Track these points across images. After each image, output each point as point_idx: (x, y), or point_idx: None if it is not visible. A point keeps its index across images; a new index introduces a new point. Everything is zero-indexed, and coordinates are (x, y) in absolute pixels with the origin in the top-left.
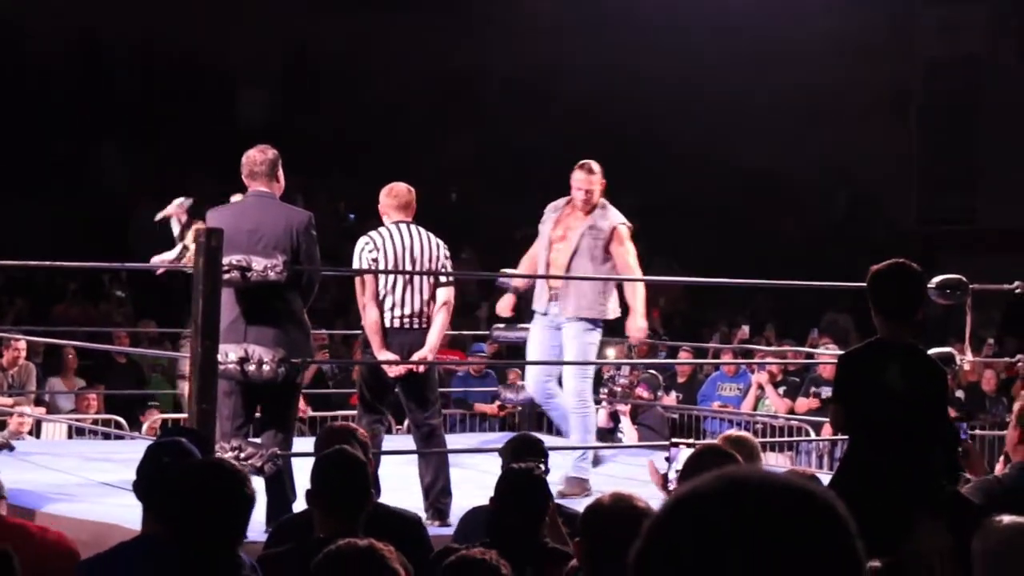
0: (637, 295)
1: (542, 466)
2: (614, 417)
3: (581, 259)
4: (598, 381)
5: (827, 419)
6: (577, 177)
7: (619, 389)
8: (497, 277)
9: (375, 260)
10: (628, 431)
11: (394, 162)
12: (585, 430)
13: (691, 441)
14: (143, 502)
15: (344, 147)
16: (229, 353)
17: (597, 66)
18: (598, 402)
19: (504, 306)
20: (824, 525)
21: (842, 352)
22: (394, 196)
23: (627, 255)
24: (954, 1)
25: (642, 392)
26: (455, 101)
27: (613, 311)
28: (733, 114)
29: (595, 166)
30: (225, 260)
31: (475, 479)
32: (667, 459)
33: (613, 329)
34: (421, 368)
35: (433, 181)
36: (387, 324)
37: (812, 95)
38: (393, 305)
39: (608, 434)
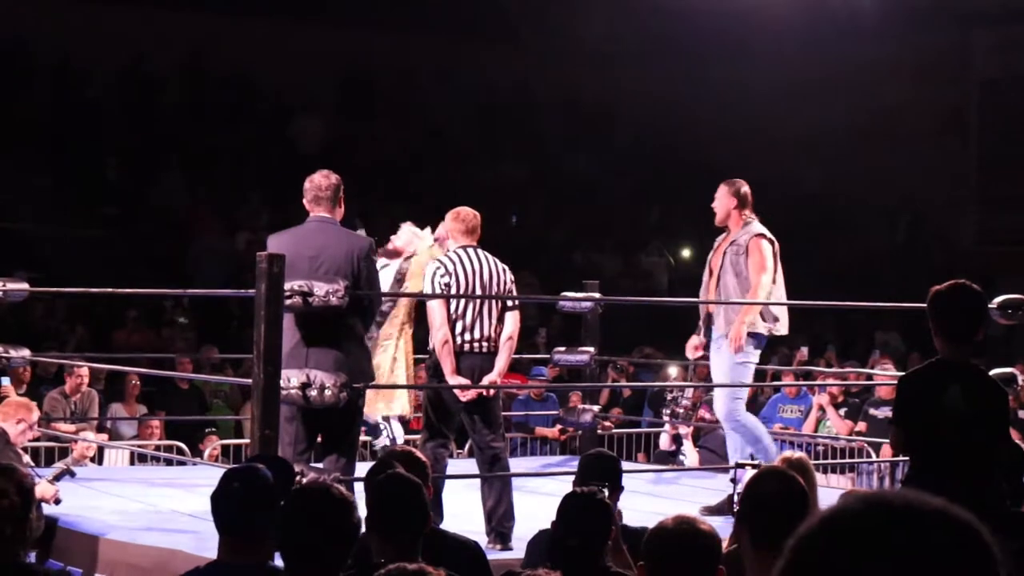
0: (741, 310)
1: (605, 490)
2: (676, 439)
3: (727, 276)
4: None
5: (887, 440)
6: None
7: (681, 411)
8: (559, 301)
9: (447, 285)
10: (690, 454)
11: (451, 186)
12: (754, 440)
13: (757, 462)
14: (220, 528)
15: (401, 171)
16: (291, 378)
17: (652, 92)
18: (661, 424)
19: (691, 346)
20: (969, 548)
21: (901, 373)
22: (461, 220)
23: (754, 268)
24: (1009, 21)
25: (705, 413)
26: (510, 125)
27: (765, 325)
28: (791, 140)
29: (726, 184)
30: (287, 286)
31: (536, 503)
32: (732, 480)
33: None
34: (490, 392)
35: (492, 205)
36: (458, 348)
37: (869, 119)
38: (464, 329)
39: (670, 457)
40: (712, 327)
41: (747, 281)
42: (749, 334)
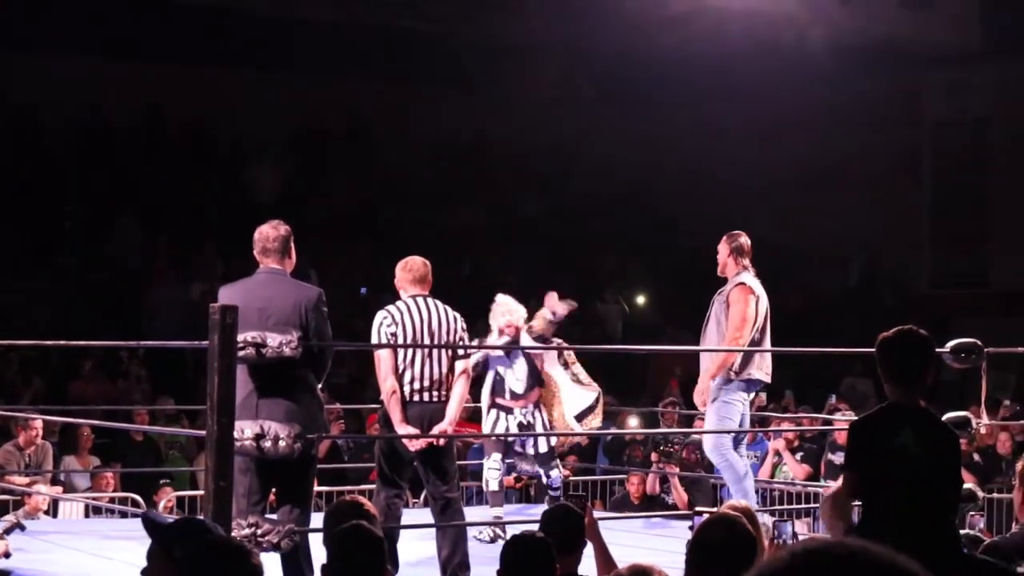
0: (712, 359)
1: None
2: (663, 480)
3: (711, 324)
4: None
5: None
6: None
7: (674, 452)
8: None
9: (394, 334)
10: (678, 495)
11: (405, 234)
12: (736, 480)
13: (713, 509)
14: None
15: (355, 220)
16: (245, 430)
17: (608, 138)
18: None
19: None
20: None
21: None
22: (409, 270)
23: (732, 318)
24: (959, 64)
25: (689, 455)
26: (463, 172)
27: (747, 372)
28: (745, 185)
29: (726, 236)
30: (240, 337)
31: (492, 551)
32: (690, 528)
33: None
34: (441, 441)
35: (445, 253)
36: (406, 397)
37: (822, 163)
38: (412, 379)
39: (654, 500)
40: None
41: (724, 331)
42: (745, 380)
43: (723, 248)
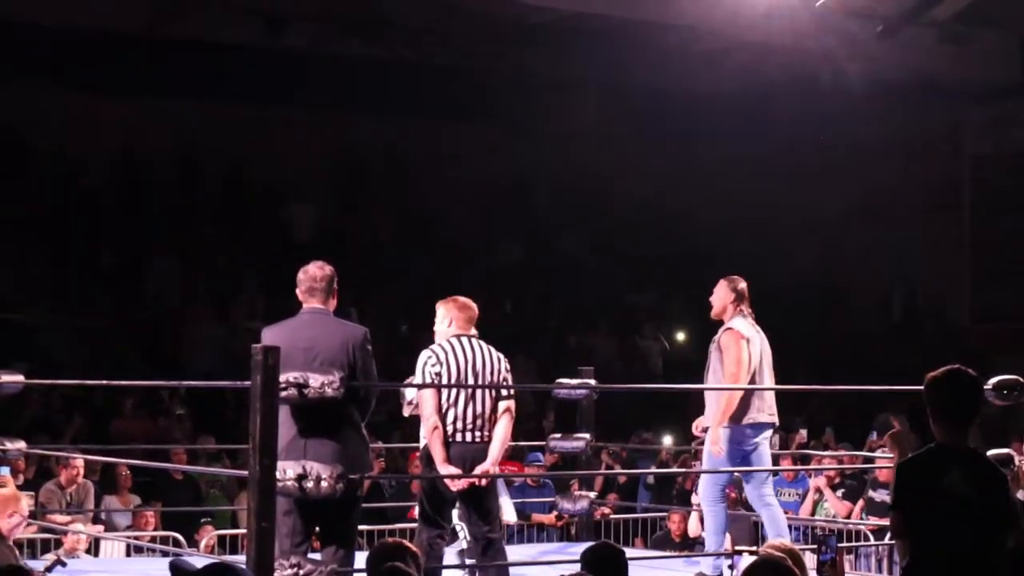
0: (718, 405)
1: None
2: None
3: (709, 372)
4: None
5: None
6: None
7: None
8: (555, 389)
9: (438, 374)
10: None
11: (445, 272)
12: (715, 530)
13: (753, 548)
14: None
15: (393, 258)
16: (287, 470)
17: (646, 174)
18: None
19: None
20: None
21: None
22: (457, 309)
23: (727, 365)
24: (998, 98)
25: (730, 492)
26: (502, 209)
27: (749, 416)
28: (785, 221)
29: (725, 280)
30: (282, 378)
31: None
32: (730, 567)
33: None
34: (483, 481)
35: (487, 290)
36: (449, 437)
37: (862, 198)
38: (455, 418)
39: (696, 541)
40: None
41: (720, 378)
42: (750, 425)
43: (723, 291)
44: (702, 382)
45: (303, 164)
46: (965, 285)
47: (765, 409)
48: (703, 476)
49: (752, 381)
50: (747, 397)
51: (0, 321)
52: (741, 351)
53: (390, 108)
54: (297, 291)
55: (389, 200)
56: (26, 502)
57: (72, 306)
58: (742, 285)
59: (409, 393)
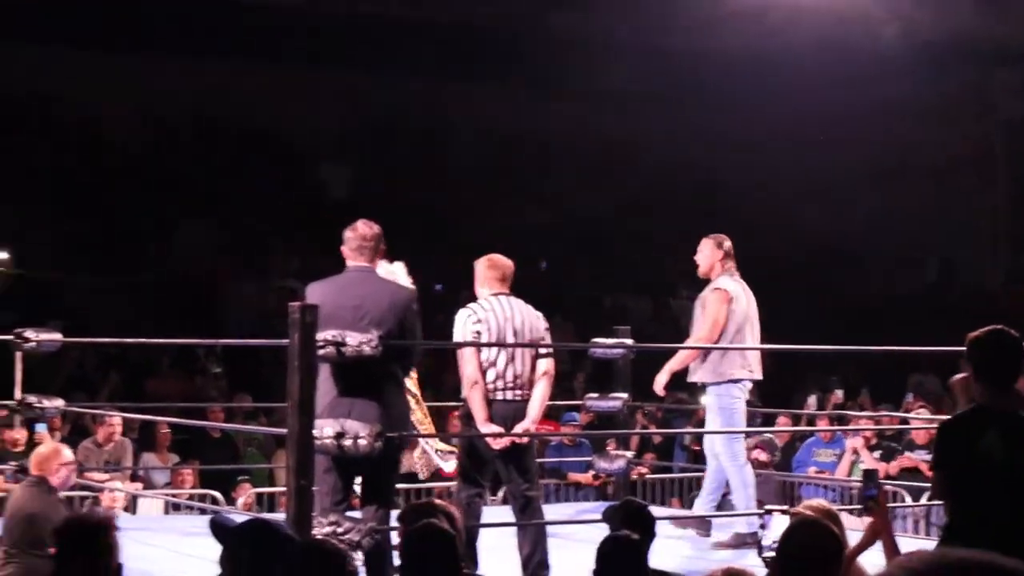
0: (676, 358)
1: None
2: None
3: (694, 328)
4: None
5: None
6: None
7: None
8: (591, 348)
9: (478, 332)
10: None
11: (478, 231)
12: (744, 485)
13: (784, 508)
14: None
15: (427, 217)
16: (325, 428)
17: (675, 133)
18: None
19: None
20: None
21: (937, 417)
22: (495, 267)
23: (703, 321)
24: None
25: (760, 455)
26: (532, 169)
27: (738, 371)
28: (817, 181)
29: (709, 237)
30: (320, 336)
31: (571, 550)
32: (761, 526)
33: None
34: (523, 440)
35: (518, 250)
36: (489, 396)
37: (895, 160)
38: (496, 377)
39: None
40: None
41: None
42: (731, 380)
43: (710, 251)
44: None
45: (335, 125)
46: (999, 248)
47: (747, 366)
48: (721, 437)
49: (738, 337)
50: (731, 355)
51: (34, 280)
52: (720, 313)
53: (423, 69)
54: (343, 248)
55: (420, 160)
56: (69, 453)
57: (106, 265)
58: (728, 243)
59: None
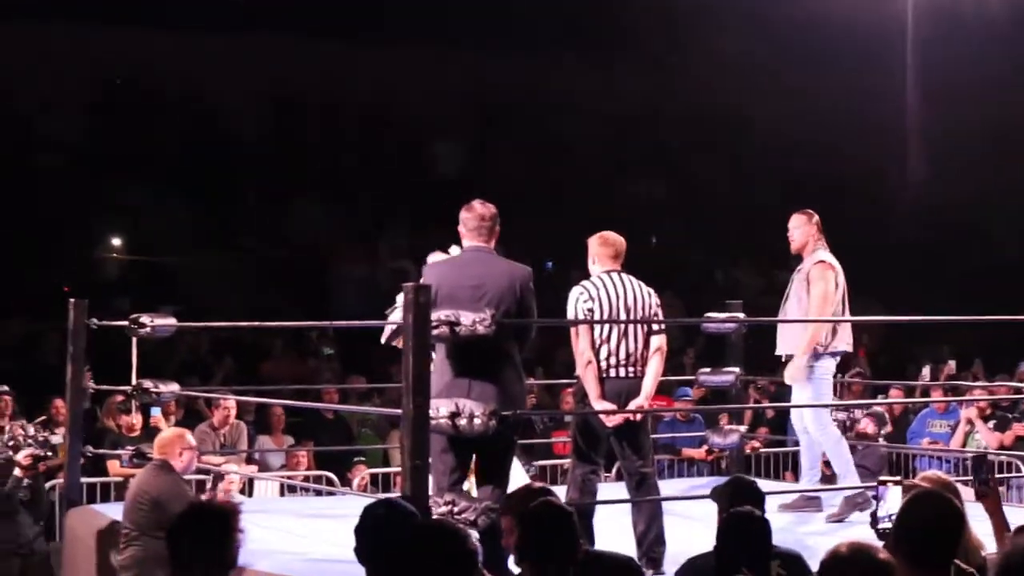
0: (804, 336)
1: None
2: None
3: (791, 300)
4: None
5: None
6: None
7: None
8: (703, 323)
9: (590, 310)
10: None
11: (588, 208)
12: (839, 456)
13: (898, 479)
14: (366, 566)
15: (536, 195)
16: (440, 408)
17: (785, 101)
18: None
19: None
20: None
21: None
22: (608, 245)
23: (813, 294)
24: None
25: (868, 427)
26: (641, 143)
27: (839, 344)
28: (929, 148)
29: (800, 212)
30: (433, 316)
31: (686, 526)
32: (875, 498)
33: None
34: (637, 416)
35: (629, 224)
36: (602, 373)
37: (1006, 123)
38: (608, 354)
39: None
40: (777, 345)
41: (805, 307)
42: (832, 353)
43: (804, 225)
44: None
45: (444, 102)
46: None
47: (846, 339)
48: (813, 411)
49: (838, 312)
50: (835, 328)
51: (147, 264)
52: (829, 285)
53: (530, 45)
54: (460, 228)
55: (530, 136)
56: (191, 437)
57: (217, 248)
58: (817, 217)
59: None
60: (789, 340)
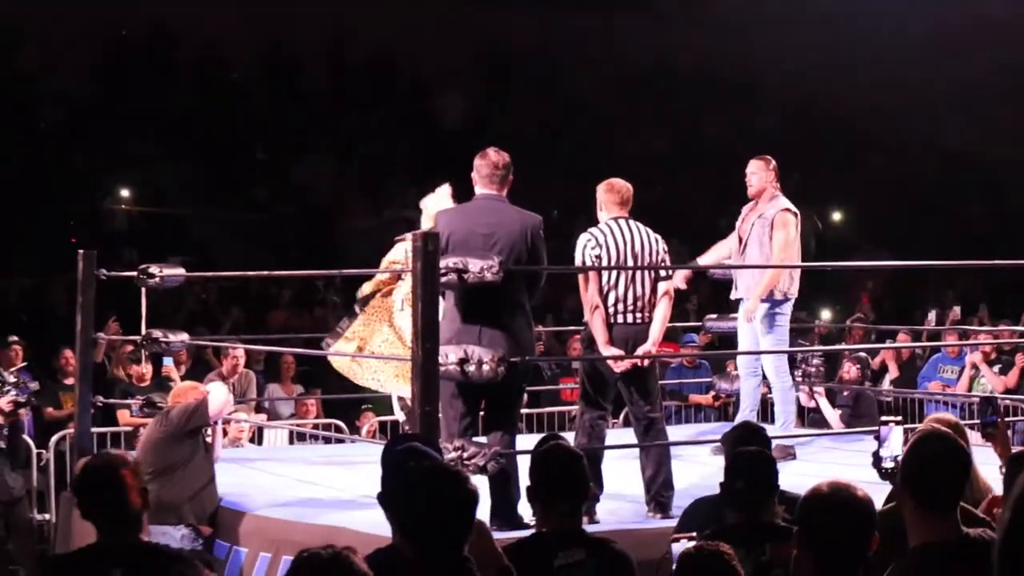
0: (762, 280)
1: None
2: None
3: (752, 245)
4: (791, 363)
5: None
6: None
7: (812, 370)
8: (710, 269)
9: (598, 257)
10: (829, 414)
11: (593, 158)
12: (785, 401)
13: (898, 419)
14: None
15: (542, 145)
16: (449, 355)
17: (791, 54)
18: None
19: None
20: None
21: None
22: (615, 192)
23: (778, 240)
24: None
25: (851, 371)
26: (648, 95)
27: (793, 288)
28: (937, 98)
29: (758, 158)
30: (442, 263)
31: (693, 470)
32: (876, 438)
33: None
34: (645, 362)
35: (633, 175)
36: (610, 319)
37: (1015, 75)
38: (616, 300)
39: (812, 413)
40: (735, 290)
41: (768, 252)
42: (786, 298)
43: (761, 171)
44: (871, 259)
45: (450, 55)
46: None
47: (796, 284)
48: (772, 355)
49: (796, 258)
50: (790, 274)
51: (156, 215)
52: (790, 231)
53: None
54: (473, 175)
55: (533, 88)
56: (206, 388)
57: (226, 200)
58: (774, 163)
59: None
60: (750, 284)
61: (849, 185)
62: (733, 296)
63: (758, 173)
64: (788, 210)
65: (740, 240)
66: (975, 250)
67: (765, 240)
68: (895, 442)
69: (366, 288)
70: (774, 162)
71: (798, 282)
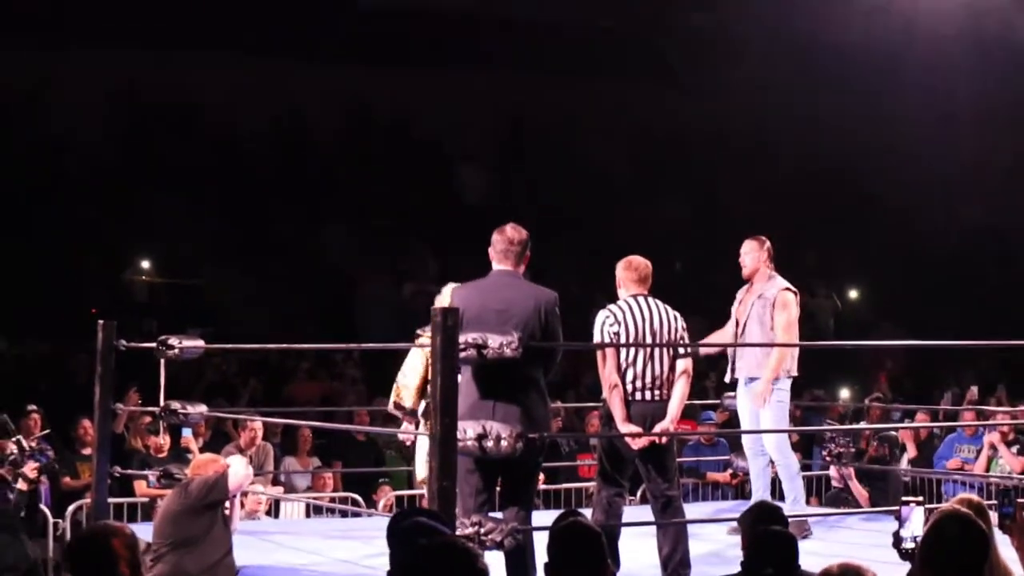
0: (769, 360)
1: None
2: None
3: (752, 324)
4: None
5: None
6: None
7: (840, 451)
8: (729, 346)
9: (616, 334)
10: (858, 493)
11: (613, 232)
12: (791, 477)
13: (920, 499)
14: None
15: (562, 218)
16: (467, 430)
17: (809, 127)
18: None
19: None
20: None
21: None
22: (634, 269)
23: (781, 321)
24: None
25: (878, 448)
26: (667, 165)
27: (793, 367)
28: (952, 174)
29: (752, 238)
30: (461, 339)
31: (710, 549)
32: (897, 519)
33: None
34: (663, 439)
35: (654, 250)
36: (628, 397)
37: None
38: (634, 377)
39: (841, 494)
40: (736, 370)
41: (771, 332)
42: (790, 378)
43: (755, 252)
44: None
45: (469, 124)
46: None
47: (795, 362)
48: (776, 436)
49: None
50: (788, 351)
51: (176, 286)
52: (792, 312)
53: (554, 68)
54: (490, 251)
55: (554, 161)
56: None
57: (245, 270)
58: (768, 244)
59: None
60: (752, 364)
61: (862, 261)
62: (728, 378)
63: (751, 253)
64: (788, 289)
65: (737, 323)
66: (996, 327)
67: (766, 320)
68: (916, 522)
69: (405, 397)
70: (768, 242)
71: (797, 360)
